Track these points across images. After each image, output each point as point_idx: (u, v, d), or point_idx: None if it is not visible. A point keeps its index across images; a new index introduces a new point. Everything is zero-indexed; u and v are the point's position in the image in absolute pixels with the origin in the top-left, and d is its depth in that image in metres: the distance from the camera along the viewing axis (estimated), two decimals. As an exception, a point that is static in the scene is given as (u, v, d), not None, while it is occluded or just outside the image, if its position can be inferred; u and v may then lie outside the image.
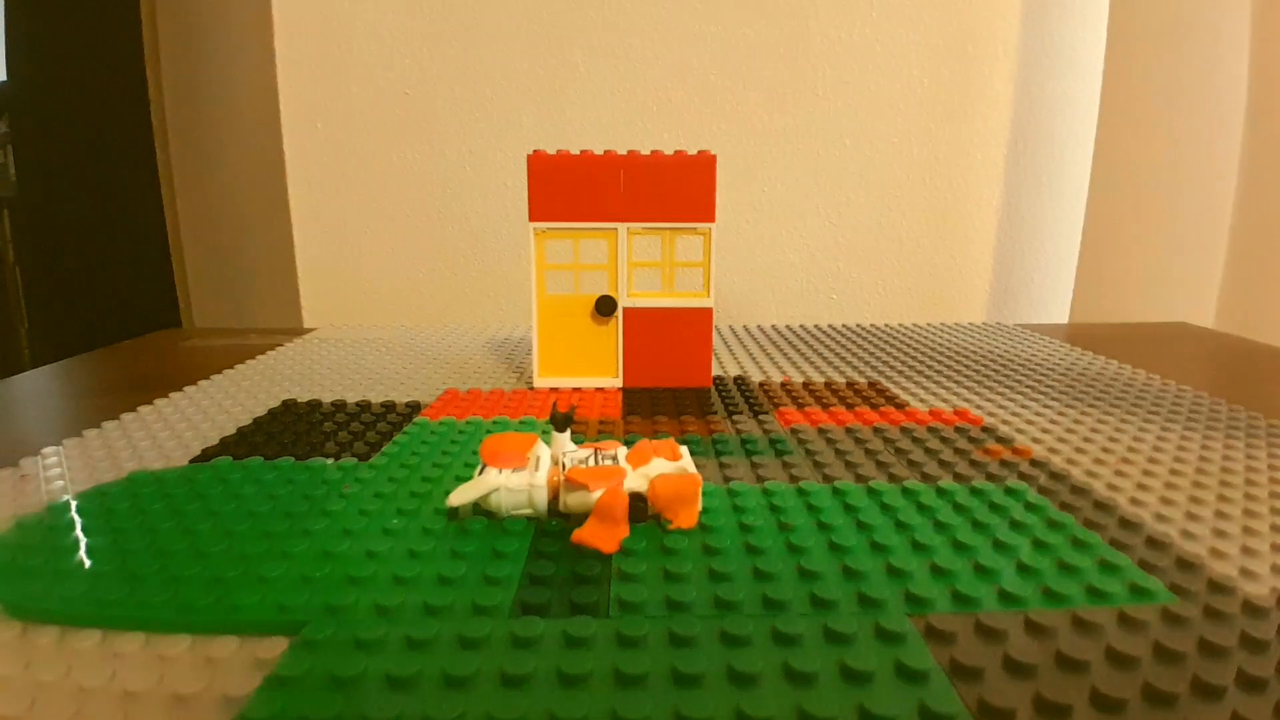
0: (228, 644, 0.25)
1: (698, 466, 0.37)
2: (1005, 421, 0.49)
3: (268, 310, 1.04)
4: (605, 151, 0.54)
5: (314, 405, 0.52)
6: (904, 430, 0.47)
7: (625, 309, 0.56)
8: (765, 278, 1.02)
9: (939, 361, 0.67)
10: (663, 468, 0.34)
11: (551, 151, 0.54)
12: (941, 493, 0.37)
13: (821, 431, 0.47)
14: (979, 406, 0.52)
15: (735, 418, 0.50)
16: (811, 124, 0.98)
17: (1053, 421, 0.49)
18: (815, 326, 0.84)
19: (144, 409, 0.52)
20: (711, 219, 0.54)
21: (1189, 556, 0.30)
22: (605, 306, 0.56)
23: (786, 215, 1.01)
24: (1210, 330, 0.89)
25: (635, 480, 0.34)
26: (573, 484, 0.33)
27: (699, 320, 0.56)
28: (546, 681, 0.23)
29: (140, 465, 0.41)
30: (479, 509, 0.34)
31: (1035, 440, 0.45)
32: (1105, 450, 0.43)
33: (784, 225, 1.01)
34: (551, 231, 0.55)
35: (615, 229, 0.54)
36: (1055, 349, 0.72)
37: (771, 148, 0.99)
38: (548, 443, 0.36)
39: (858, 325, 0.85)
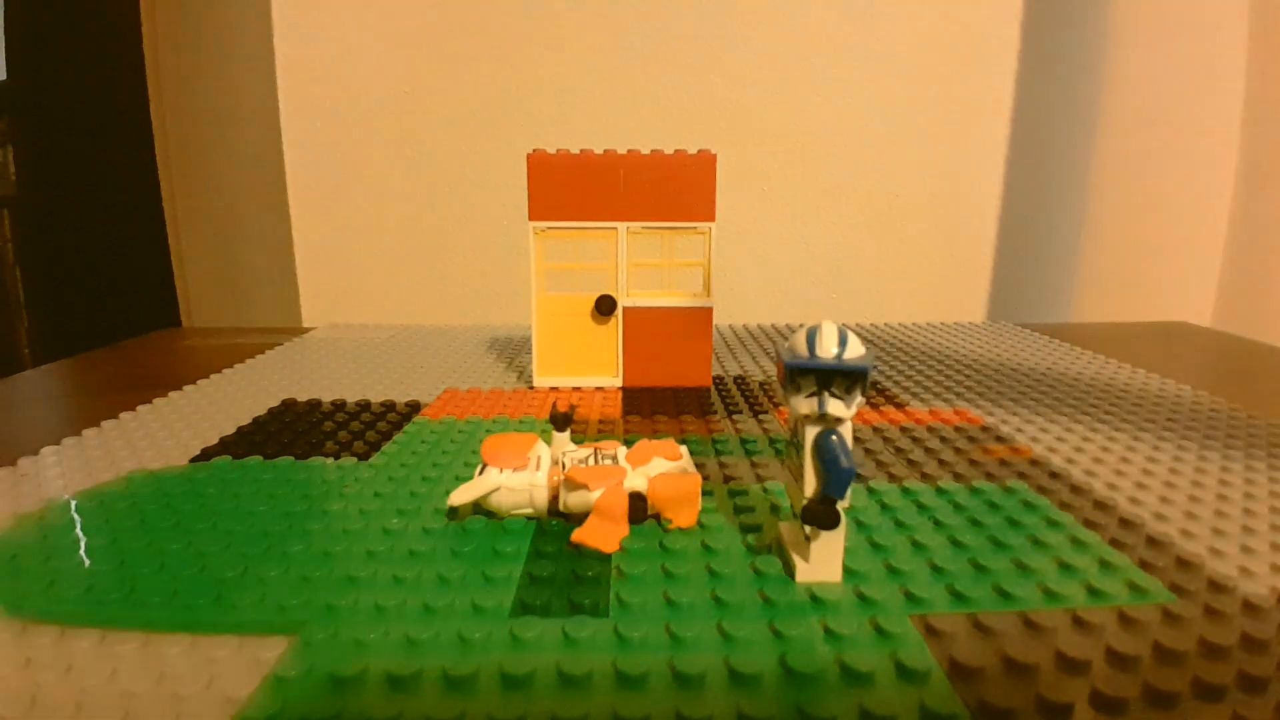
0: (227, 644, 0.25)
1: (698, 466, 0.37)
2: (1004, 421, 0.49)
3: (267, 310, 1.04)
4: (605, 151, 0.54)
5: (314, 405, 0.52)
6: (903, 430, 0.47)
7: (625, 308, 0.56)
8: (765, 278, 1.02)
9: (939, 361, 0.67)
10: (663, 467, 0.34)
11: (551, 151, 0.54)
12: (940, 492, 0.37)
13: (821, 431, 0.47)
14: (978, 406, 0.52)
15: (735, 418, 0.50)
16: (811, 124, 0.98)
17: (1051, 421, 0.49)
18: (815, 326, 0.84)
19: (143, 409, 0.52)
20: (711, 218, 0.54)
21: (1188, 555, 0.30)
22: (605, 306, 0.56)
23: (786, 215, 1.01)
24: (1209, 330, 0.89)
25: (635, 480, 0.34)
26: (573, 484, 0.33)
27: (699, 320, 0.56)
28: (546, 681, 0.23)
29: (139, 465, 0.41)
30: (479, 508, 0.34)
31: (1034, 439, 0.45)
32: (1104, 449, 0.43)
33: (784, 225, 1.01)
34: (551, 231, 0.55)
35: (615, 228, 0.54)
36: (1055, 349, 0.72)
37: (771, 148, 0.99)
38: (548, 442, 0.36)
39: (858, 325, 0.85)
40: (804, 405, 0.27)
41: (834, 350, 0.27)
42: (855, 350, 0.27)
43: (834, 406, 0.27)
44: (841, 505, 0.27)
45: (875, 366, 0.27)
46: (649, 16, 0.95)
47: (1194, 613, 0.26)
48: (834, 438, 0.27)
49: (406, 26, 0.95)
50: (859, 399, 0.27)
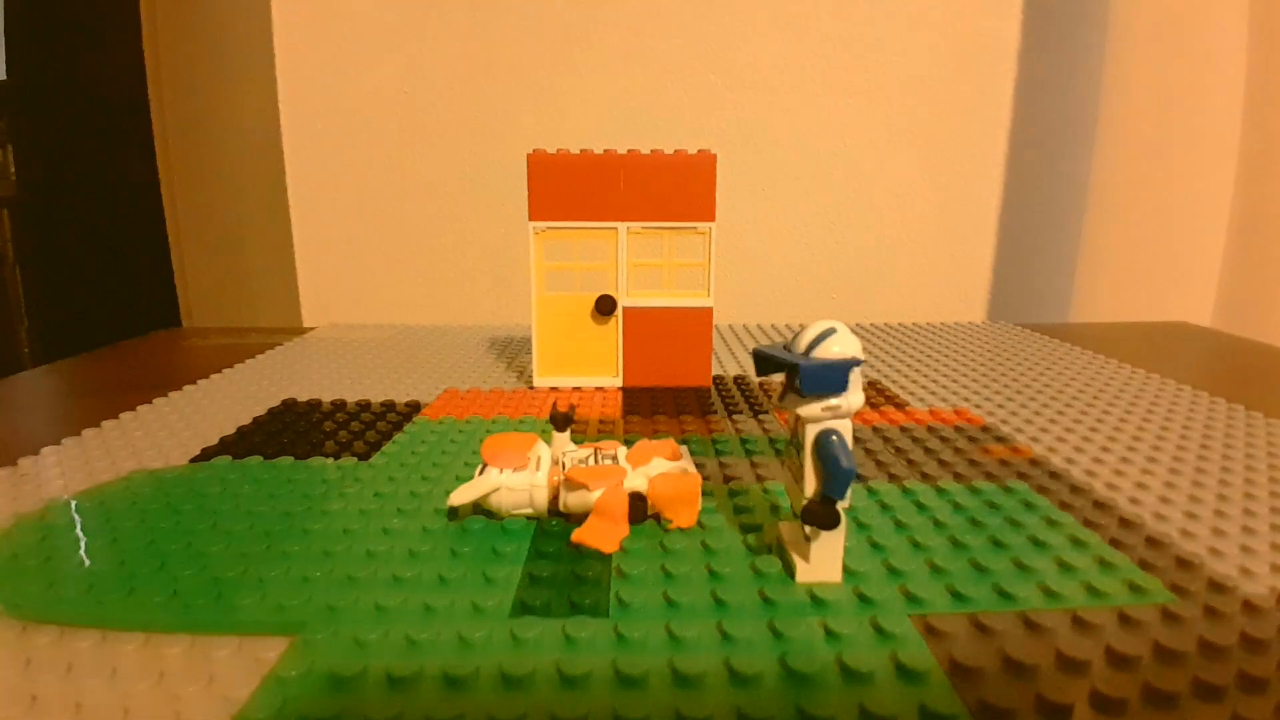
0: (227, 644, 0.25)
1: (698, 466, 0.37)
2: (1004, 421, 0.49)
3: (268, 310, 1.04)
4: (605, 151, 0.54)
5: (314, 405, 0.52)
6: (903, 430, 0.47)
7: (625, 308, 0.56)
8: (765, 278, 1.02)
9: (939, 361, 0.67)
10: (663, 467, 0.34)
11: (551, 151, 0.54)
12: (940, 492, 0.37)
13: (821, 431, 0.47)
14: (978, 406, 0.52)
15: (735, 417, 0.50)
16: (811, 124, 0.98)
17: (1051, 421, 0.49)
18: (815, 326, 0.84)
19: (143, 409, 0.52)
20: (711, 218, 0.54)
21: (1188, 555, 0.30)
22: (605, 306, 0.56)
23: (786, 215, 1.00)
24: (1209, 329, 0.89)
25: (635, 480, 0.34)
26: (573, 484, 0.33)
27: (699, 320, 0.56)
28: (546, 681, 0.23)
29: (139, 465, 0.41)
30: (479, 508, 0.34)
31: (1034, 439, 0.45)
32: (1104, 449, 0.43)
33: (784, 225, 1.01)
34: (551, 231, 0.55)
35: (615, 228, 0.54)
36: (1055, 349, 0.72)
37: (771, 148, 0.99)
38: (548, 442, 0.36)
39: (857, 325, 0.85)
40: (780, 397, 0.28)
41: (804, 346, 0.27)
42: (831, 350, 0.27)
43: (789, 400, 0.27)
44: (841, 505, 0.27)
45: (807, 366, 0.26)
46: (649, 16, 0.95)
47: (1194, 613, 0.26)
48: (834, 438, 0.27)
49: (406, 26, 0.95)
50: (827, 401, 0.27)
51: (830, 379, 0.27)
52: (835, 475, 0.27)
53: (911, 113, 0.98)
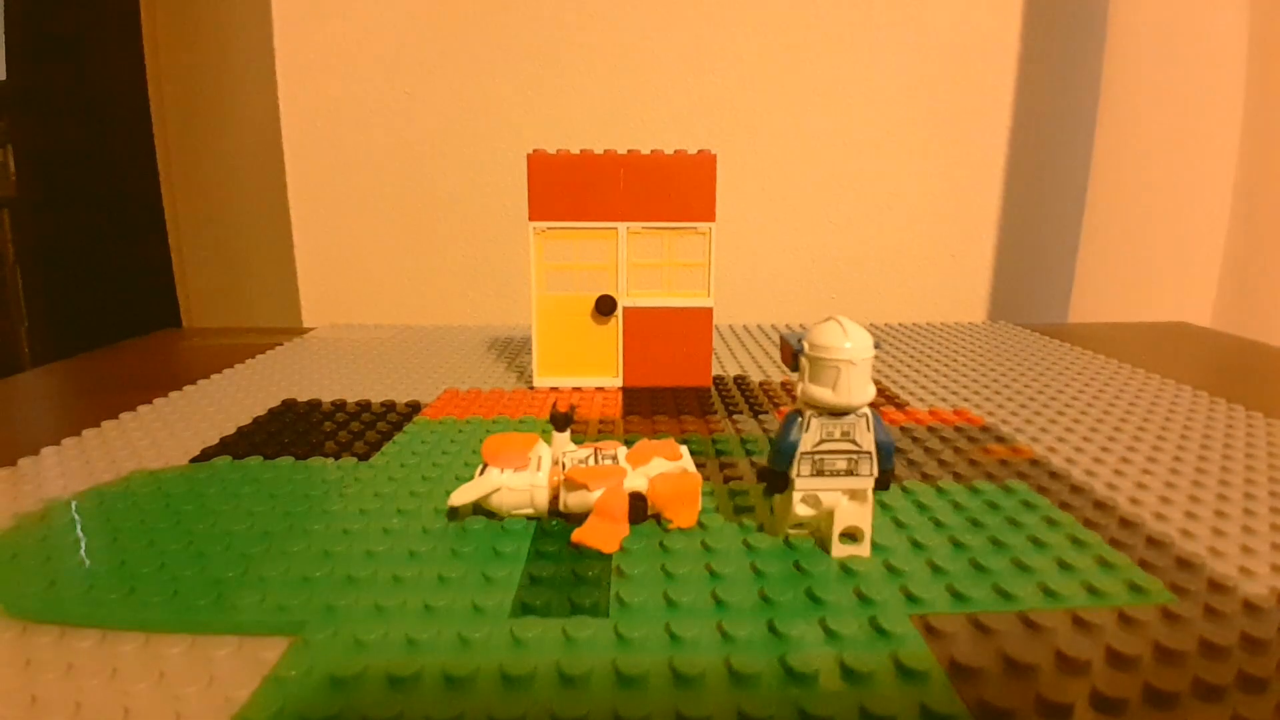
0: (227, 644, 0.25)
1: (698, 466, 0.37)
2: (1004, 421, 0.49)
3: (267, 310, 1.04)
4: (605, 151, 0.54)
5: (314, 405, 0.52)
6: (904, 430, 0.47)
7: (625, 308, 0.56)
8: (765, 278, 1.02)
9: (939, 361, 0.67)
10: (663, 467, 0.34)
11: (551, 151, 0.54)
12: (940, 492, 0.37)
13: (821, 431, 0.47)
14: (978, 406, 0.52)
15: (735, 417, 0.50)
16: (811, 124, 0.98)
17: (1052, 421, 0.49)
18: (815, 326, 0.84)
19: (143, 409, 0.52)
20: (712, 218, 0.54)
21: (1188, 555, 0.30)
22: (605, 306, 0.56)
23: (786, 215, 1.00)
24: (1209, 330, 0.89)
25: (635, 480, 0.34)
26: (573, 484, 0.33)
27: (699, 320, 0.56)
28: (546, 681, 0.23)
29: (139, 465, 0.41)
30: (479, 508, 0.34)
31: (1034, 440, 0.45)
32: (1104, 449, 0.43)
33: (784, 225, 1.01)
34: (551, 231, 0.55)
35: (615, 228, 0.54)
36: (1055, 349, 0.72)
37: (771, 148, 0.99)
38: (548, 442, 0.36)
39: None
40: None
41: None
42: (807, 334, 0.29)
43: None
44: (799, 498, 0.29)
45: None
46: (649, 16, 0.95)
47: (1194, 613, 0.26)
48: (799, 419, 0.29)
49: (407, 27, 0.95)
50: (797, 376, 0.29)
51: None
52: (773, 447, 0.29)
53: (912, 113, 0.98)
